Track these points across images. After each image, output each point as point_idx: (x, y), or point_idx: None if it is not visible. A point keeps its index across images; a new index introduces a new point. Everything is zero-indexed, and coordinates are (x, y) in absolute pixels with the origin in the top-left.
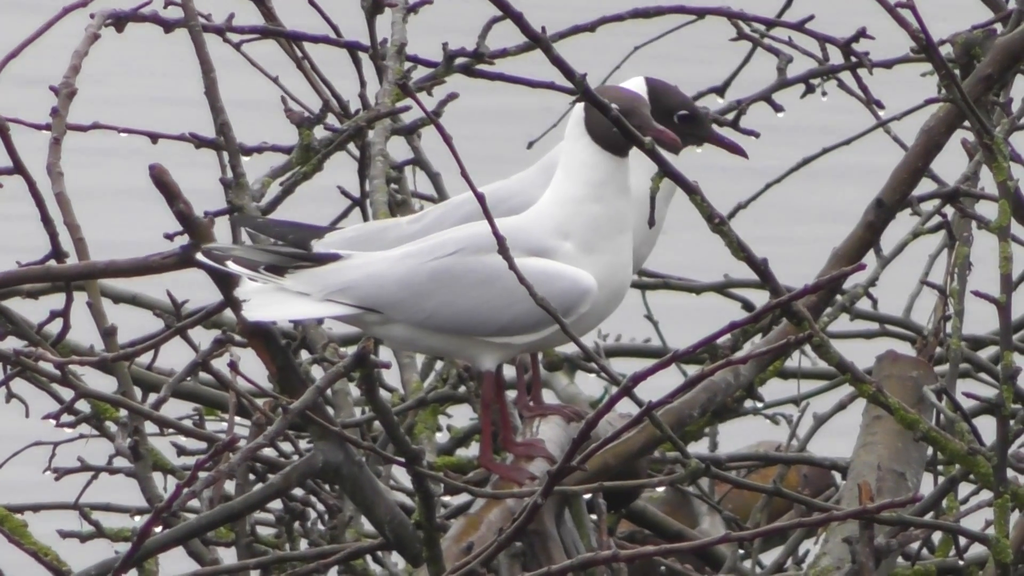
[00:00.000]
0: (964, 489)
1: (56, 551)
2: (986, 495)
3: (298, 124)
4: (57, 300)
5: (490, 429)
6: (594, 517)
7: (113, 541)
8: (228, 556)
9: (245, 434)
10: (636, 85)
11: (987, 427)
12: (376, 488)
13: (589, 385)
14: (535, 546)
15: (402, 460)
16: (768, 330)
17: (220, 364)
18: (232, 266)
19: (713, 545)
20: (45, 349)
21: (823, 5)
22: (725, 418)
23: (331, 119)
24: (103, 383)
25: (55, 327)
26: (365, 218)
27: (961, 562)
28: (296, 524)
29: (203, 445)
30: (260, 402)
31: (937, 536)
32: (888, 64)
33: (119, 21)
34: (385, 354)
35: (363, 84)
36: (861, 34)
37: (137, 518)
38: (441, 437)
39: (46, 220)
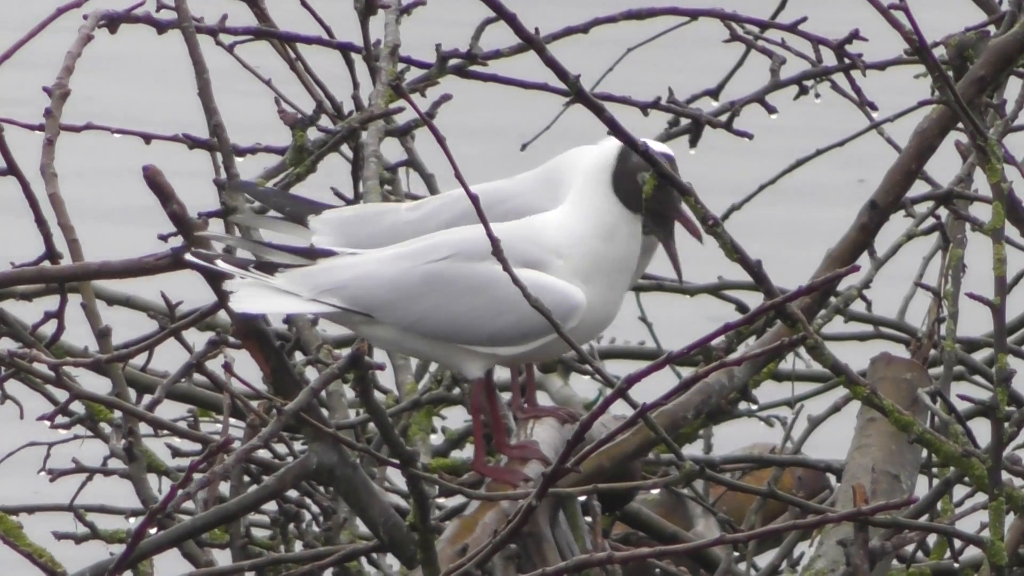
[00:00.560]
0: (959, 491)
1: (51, 553)
2: (981, 497)
3: (291, 125)
4: (51, 301)
5: (482, 435)
6: (589, 519)
7: (108, 543)
8: (223, 558)
9: (240, 436)
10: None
11: (981, 429)
12: (371, 490)
13: (583, 387)
14: (530, 548)
15: (396, 462)
16: (762, 332)
17: (214, 365)
18: (222, 264)
19: (708, 547)
20: (39, 350)
21: (816, 7)
22: (719, 420)
23: (325, 120)
24: (97, 384)
25: (49, 328)
26: None
27: (956, 564)
28: (291, 526)
29: (198, 447)
30: (254, 404)
31: (932, 538)
32: (881, 66)
33: (112, 22)
34: (379, 356)
35: (356, 85)
36: (854, 36)
37: (132, 520)
38: (436, 439)
39: (40, 221)
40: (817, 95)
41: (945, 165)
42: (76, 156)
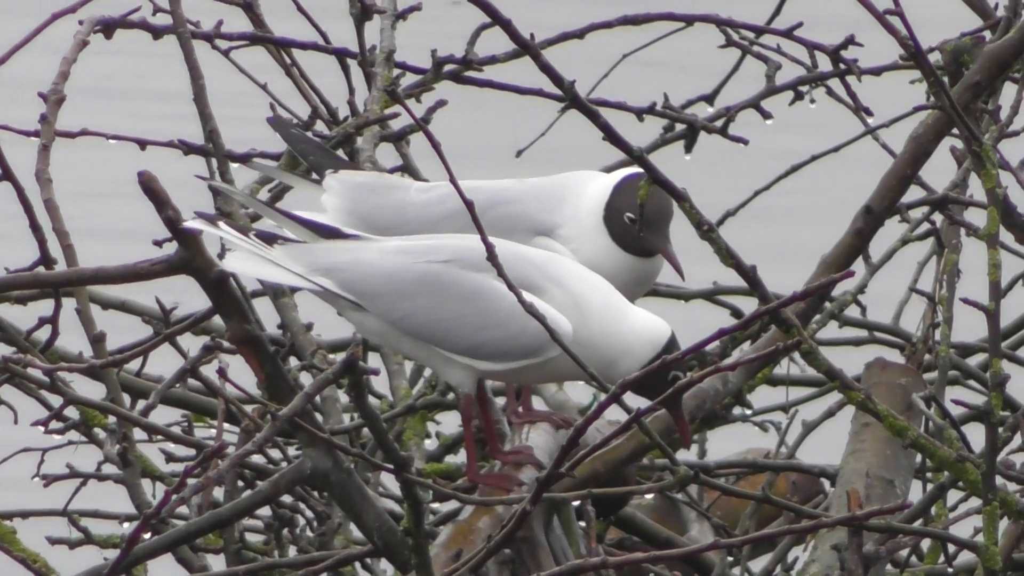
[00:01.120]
0: (953, 496)
1: (45, 558)
2: (975, 502)
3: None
4: (46, 306)
5: (473, 444)
6: (583, 524)
7: (102, 548)
8: (217, 563)
9: (234, 441)
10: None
11: (976, 434)
12: (365, 495)
13: (578, 392)
14: (524, 553)
15: (391, 467)
16: (757, 337)
17: (209, 371)
18: (223, 227)
19: (702, 552)
20: (34, 355)
21: (812, 12)
22: (714, 425)
23: (320, 126)
24: (92, 390)
25: (44, 334)
26: None
27: (950, 569)
28: (285, 531)
29: (192, 452)
30: (249, 409)
31: (926, 543)
32: (877, 71)
33: (108, 28)
34: (374, 361)
35: (352, 91)
36: (850, 41)
37: (126, 524)
38: (430, 444)
39: (34, 227)
40: (812, 100)
41: (940, 170)
42: (71, 163)
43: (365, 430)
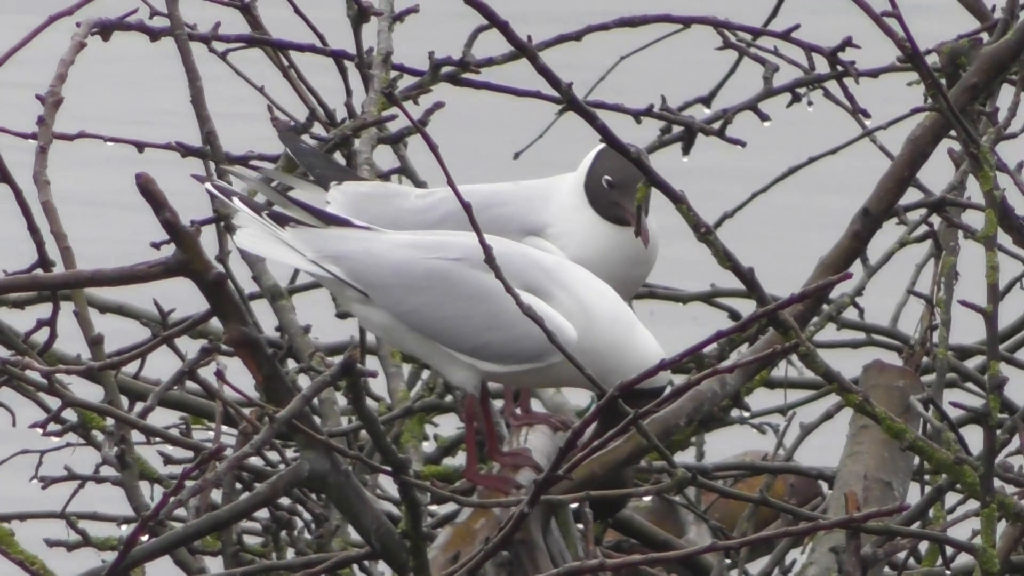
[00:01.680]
0: (951, 498)
1: (43, 560)
2: (973, 504)
3: (284, 131)
4: (44, 309)
5: (474, 444)
6: (580, 526)
7: (100, 550)
8: (215, 565)
9: (232, 443)
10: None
11: (974, 436)
12: (363, 497)
13: (575, 394)
14: (521, 555)
15: (389, 469)
16: (755, 339)
17: (207, 373)
18: (237, 203)
19: (699, 554)
20: (32, 358)
21: (809, 14)
22: (712, 427)
23: (317, 128)
24: (90, 392)
25: (42, 336)
26: None
27: (948, 572)
28: (283, 533)
29: (190, 454)
30: (247, 411)
31: (924, 545)
32: (874, 73)
33: (105, 30)
34: (372, 363)
35: (349, 93)
36: (847, 43)
37: (124, 527)
38: (428, 446)
39: (32, 229)
40: (810, 103)
41: (938, 173)
42: (69, 165)
43: (363, 432)
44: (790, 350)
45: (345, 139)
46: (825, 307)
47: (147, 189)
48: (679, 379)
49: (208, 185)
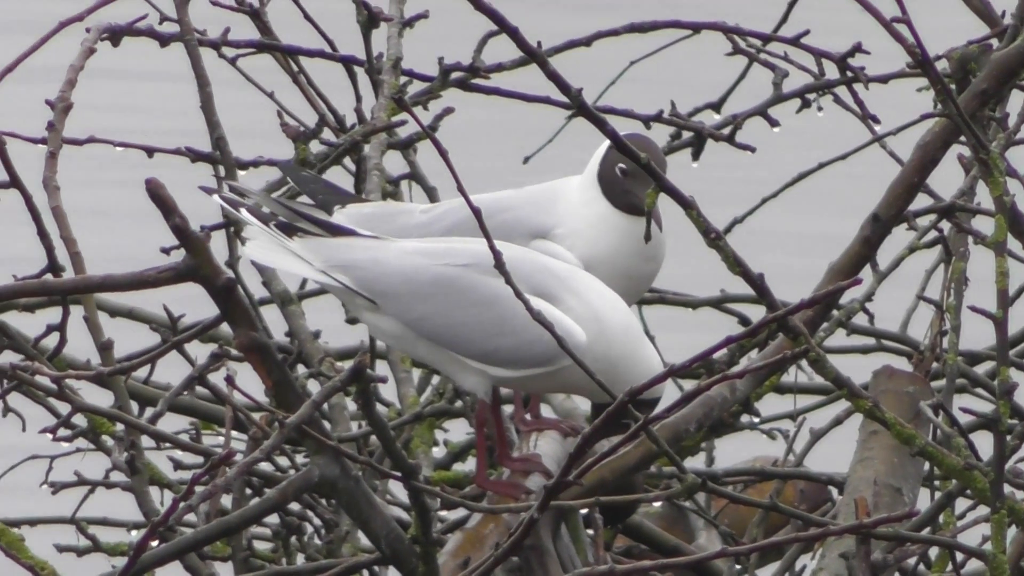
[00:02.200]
0: (961, 504)
1: (53, 566)
2: (983, 510)
3: (294, 138)
4: (54, 314)
5: (484, 450)
6: (590, 532)
7: (110, 555)
8: (225, 571)
9: (242, 448)
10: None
11: (984, 442)
12: (372, 503)
13: (585, 400)
14: (532, 561)
15: (399, 475)
16: (764, 345)
17: (217, 378)
18: (245, 214)
19: (709, 560)
20: (41, 363)
21: (819, 20)
22: (722, 433)
23: (327, 133)
24: (100, 397)
25: (51, 341)
26: None
27: None
28: (293, 539)
29: (200, 459)
30: (257, 416)
31: (934, 551)
32: (884, 79)
33: (115, 35)
34: (382, 368)
35: (359, 98)
36: (857, 49)
37: (134, 532)
38: (438, 452)
39: (42, 234)
40: (820, 108)
41: (947, 178)
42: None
43: (373, 438)
44: (800, 356)
45: (355, 145)
46: (835, 313)
47: (157, 194)
48: (689, 384)
49: (216, 196)
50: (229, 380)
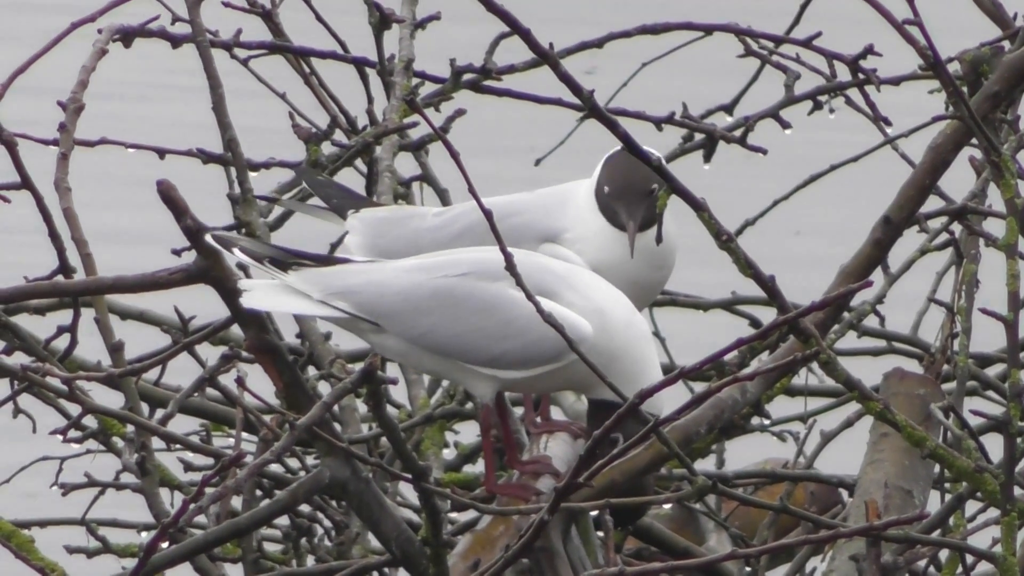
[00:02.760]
0: (971, 507)
1: (63, 567)
2: (993, 513)
3: (305, 140)
4: (64, 316)
5: (492, 455)
6: (601, 534)
7: (120, 557)
8: (235, 572)
9: (252, 450)
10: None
11: (994, 445)
12: (383, 504)
13: None
14: (542, 563)
15: (409, 476)
16: (775, 347)
17: (227, 380)
18: (238, 254)
19: (720, 562)
20: (52, 365)
21: (831, 22)
22: (732, 435)
23: (339, 135)
24: (110, 399)
25: (62, 343)
26: None
27: None
28: (303, 540)
29: (210, 461)
30: (267, 418)
31: (944, 554)
32: (896, 81)
33: (127, 36)
34: (392, 370)
35: (370, 100)
36: (869, 51)
37: (144, 534)
38: (448, 453)
39: (53, 235)
40: (831, 110)
41: (959, 180)
42: (90, 170)
43: (383, 439)
44: (811, 358)
45: (366, 146)
46: (846, 315)
47: (168, 196)
48: (700, 386)
49: (208, 236)
50: (240, 382)
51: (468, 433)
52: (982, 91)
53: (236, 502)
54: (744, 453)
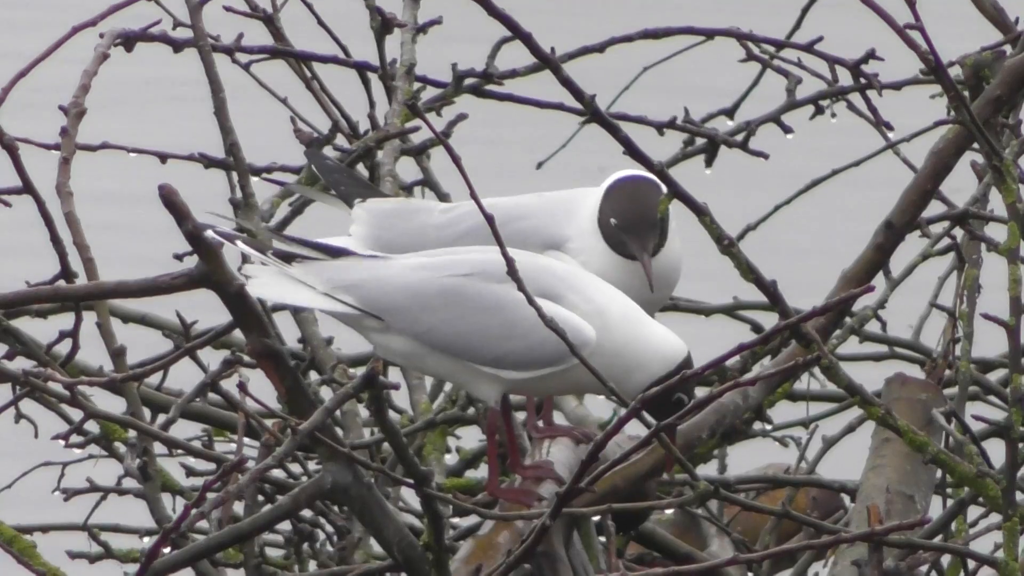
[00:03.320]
0: (973, 512)
1: (65, 572)
2: (995, 518)
3: (307, 144)
4: (66, 320)
5: (496, 459)
6: (603, 539)
7: (122, 562)
8: None
9: (254, 455)
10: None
11: (996, 450)
12: (385, 509)
13: (598, 407)
14: (544, 568)
15: (411, 481)
16: (777, 352)
17: (229, 385)
18: (242, 245)
19: (722, 567)
20: (54, 369)
21: (832, 26)
22: (734, 440)
23: (340, 139)
24: (112, 404)
25: (64, 347)
26: None
27: None
28: (305, 545)
29: (212, 466)
30: (269, 423)
31: (946, 559)
32: (897, 86)
33: (128, 41)
34: (394, 375)
35: (372, 104)
36: (870, 55)
37: (146, 539)
38: (450, 459)
39: (55, 240)
40: (833, 115)
41: (961, 185)
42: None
43: (385, 445)
44: (812, 363)
45: (368, 151)
46: (848, 320)
47: (170, 200)
48: (702, 391)
49: (210, 232)
50: (241, 386)
51: (470, 438)
52: (984, 95)
53: (238, 507)
54: (746, 458)
